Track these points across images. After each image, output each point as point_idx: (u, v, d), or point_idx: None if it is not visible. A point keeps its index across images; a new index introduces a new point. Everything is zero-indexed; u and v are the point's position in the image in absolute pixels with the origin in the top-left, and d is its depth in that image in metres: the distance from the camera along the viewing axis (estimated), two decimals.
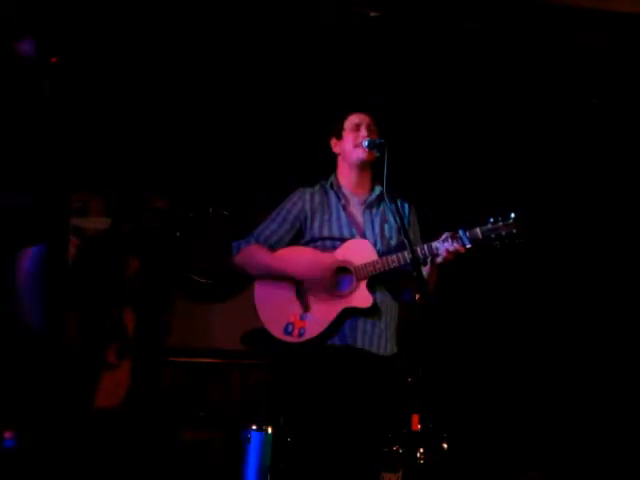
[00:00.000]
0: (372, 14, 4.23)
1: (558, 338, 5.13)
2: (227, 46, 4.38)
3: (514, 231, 3.00)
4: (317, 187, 3.30)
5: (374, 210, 3.25)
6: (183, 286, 5.22)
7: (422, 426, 4.40)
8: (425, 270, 3.11)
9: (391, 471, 4.11)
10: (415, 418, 4.40)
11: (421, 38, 4.37)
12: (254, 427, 4.26)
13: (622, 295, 5.09)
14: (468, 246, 3.00)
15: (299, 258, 3.13)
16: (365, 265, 3.07)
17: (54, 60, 3.84)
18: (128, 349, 4.29)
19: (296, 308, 3.09)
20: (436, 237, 3.06)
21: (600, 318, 5.09)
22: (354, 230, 3.18)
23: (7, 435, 3.70)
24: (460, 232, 3.02)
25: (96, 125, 4.73)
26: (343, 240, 3.15)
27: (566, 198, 5.21)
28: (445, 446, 4.37)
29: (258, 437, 4.23)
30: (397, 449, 4.21)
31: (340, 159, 3.32)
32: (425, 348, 4.69)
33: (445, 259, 3.01)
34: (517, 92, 4.79)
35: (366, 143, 3.17)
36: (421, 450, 4.28)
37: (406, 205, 3.28)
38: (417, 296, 3.20)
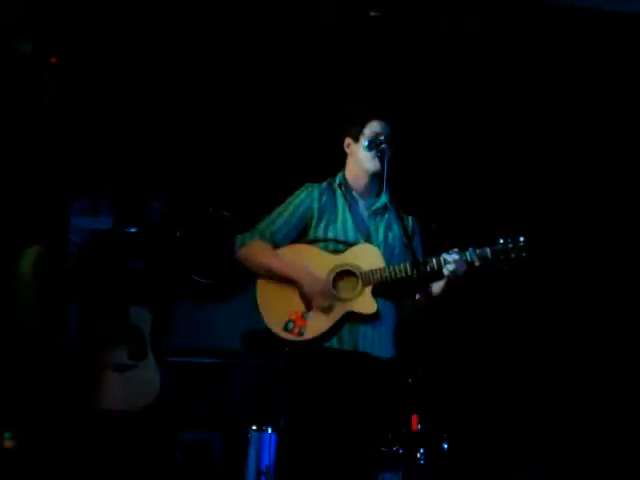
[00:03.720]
0: (372, 13, 4.23)
1: (558, 336, 5.13)
2: (227, 45, 4.38)
3: (523, 254, 3.00)
4: (324, 184, 3.27)
5: (379, 217, 3.23)
6: (184, 286, 5.22)
7: (422, 426, 4.40)
8: (436, 288, 3.11)
9: (391, 471, 4.11)
10: (415, 418, 4.40)
11: (421, 37, 4.37)
12: (254, 427, 4.26)
13: (620, 294, 5.09)
14: (477, 264, 3.01)
15: (303, 259, 3.10)
16: (372, 272, 3.06)
17: (54, 60, 3.84)
18: (144, 348, 4.29)
19: (298, 306, 3.07)
20: (444, 251, 3.06)
21: (599, 316, 5.09)
22: (359, 234, 3.16)
23: (7, 435, 3.70)
24: (470, 250, 3.02)
25: (96, 125, 4.72)
26: (347, 243, 3.13)
27: (569, 204, 5.20)
28: (445, 446, 4.37)
29: (258, 437, 4.23)
30: (397, 449, 4.21)
31: (350, 160, 3.29)
32: (425, 349, 4.69)
33: (452, 274, 3.01)
34: (518, 92, 4.79)
35: (366, 143, 3.16)
36: (421, 450, 4.28)
37: (410, 218, 3.27)
38: (417, 296, 3.20)
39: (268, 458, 4.19)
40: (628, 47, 4.35)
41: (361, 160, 3.21)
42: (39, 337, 3.78)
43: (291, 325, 3.05)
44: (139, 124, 4.86)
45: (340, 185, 3.24)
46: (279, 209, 3.20)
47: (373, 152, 3.15)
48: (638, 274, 5.06)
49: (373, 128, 3.21)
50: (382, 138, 3.13)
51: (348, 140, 3.27)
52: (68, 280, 4.24)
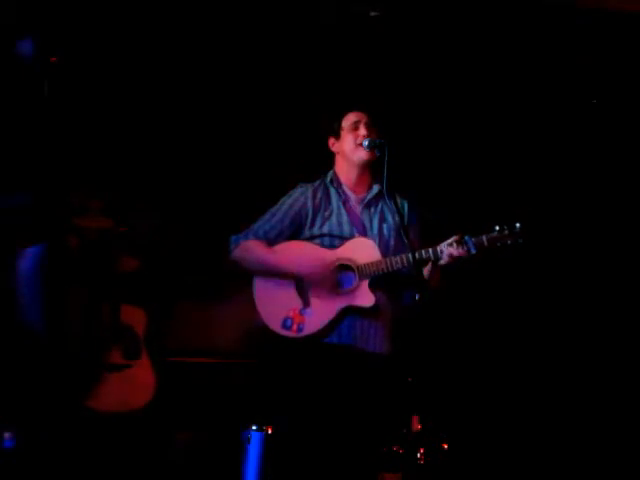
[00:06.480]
0: (372, 13, 4.24)
1: (559, 336, 5.13)
2: (225, 45, 4.39)
3: (519, 241, 3.03)
4: (317, 183, 3.30)
5: (372, 209, 3.25)
6: (182, 286, 5.21)
7: (422, 426, 4.40)
8: (427, 271, 3.12)
9: (391, 471, 4.11)
10: (415, 418, 4.39)
11: (421, 37, 4.37)
12: (254, 427, 4.26)
13: (622, 296, 5.08)
14: (473, 252, 3.02)
15: (300, 254, 3.12)
16: (369, 264, 3.07)
17: (54, 60, 3.84)
18: (138, 347, 4.28)
19: (296, 303, 3.08)
20: (441, 240, 3.07)
21: (601, 318, 5.08)
22: (354, 228, 3.18)
23: (7, 435, 3.70)
24: (466, 238, 3.04)
25: (95, 125, 4.73)
26: (343, 238, 3.15)
27: (568, 199, 5.20)
28: (445, 446, 4.36)
29: (258, 437, 4.23)
30: (397, 449, 4.20)
31: (338, 157, 3.32)
32: (425, 348, 4.68)
33: (449, 263, 3.03)
34: (518, 92, 4.80)
35: (366, 143, 3.17)
36: (421, 450, 4.27)
37: (405, 203, 3.28)
38: (417, 296, 3.20)
39: (268, 458, 4.19)
40: (628, 46, 4.35)
41: (346, 154, 3.24)
42: (39, 337, 3.78)
43: (289, 322, 3.07)
44: (138, 124, 4.86)
45: (332, 181, 3.26)
46: (272, 209, 3.24)
47: (354, 141, 3.18)
48: (636, 262, 5.06)
49: (350, 119, 3.25)
50: (369, 140, 3.15)
51: (332, 139, 3.30)
52: (68, 279, 4.25)
